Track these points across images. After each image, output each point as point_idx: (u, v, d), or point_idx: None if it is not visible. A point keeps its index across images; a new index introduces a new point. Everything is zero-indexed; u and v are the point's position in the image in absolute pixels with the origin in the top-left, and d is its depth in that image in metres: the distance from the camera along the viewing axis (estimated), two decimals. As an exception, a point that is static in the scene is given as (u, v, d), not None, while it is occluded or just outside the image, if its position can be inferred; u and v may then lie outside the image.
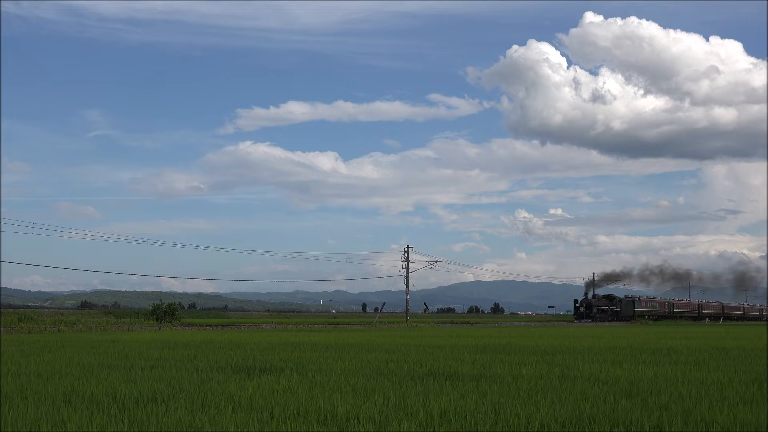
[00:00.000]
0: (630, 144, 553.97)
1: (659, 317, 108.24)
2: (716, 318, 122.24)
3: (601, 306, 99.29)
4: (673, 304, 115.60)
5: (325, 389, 9.13)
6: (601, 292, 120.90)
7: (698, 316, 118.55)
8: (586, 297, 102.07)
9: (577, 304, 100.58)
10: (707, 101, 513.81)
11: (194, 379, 10.43)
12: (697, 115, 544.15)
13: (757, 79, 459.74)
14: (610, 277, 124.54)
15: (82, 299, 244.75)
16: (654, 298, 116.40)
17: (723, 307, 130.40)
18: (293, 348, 19.00)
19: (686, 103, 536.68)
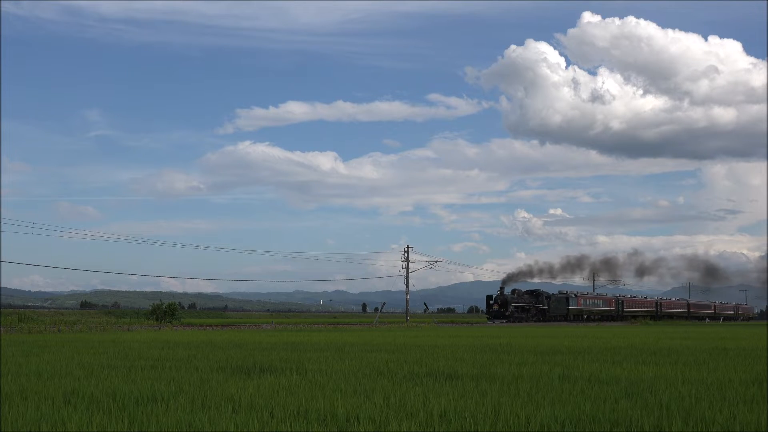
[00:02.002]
0: (629, 144, 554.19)
1: (603, 317, 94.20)
2: (680, 318, 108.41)
3: (521, 303, 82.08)
4: (623, 301, 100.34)
5: (325, 389, 9.12)
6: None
7: (657, 315, 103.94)
8: (502, 292, 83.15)
9: (490, 301, 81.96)
10: (706, 101, 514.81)
11: (194, 379, 10.43)
12: (696, 115, 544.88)
13: (757, 79, 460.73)
14: (644, 271, 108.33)
15: (82, 299, 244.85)
16: (597, 294, 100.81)
17: (689, 305, 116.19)
18: (293, 348, 18.99)
19: (685, 103, 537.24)
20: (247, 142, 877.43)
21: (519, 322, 77.82)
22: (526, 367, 12.76)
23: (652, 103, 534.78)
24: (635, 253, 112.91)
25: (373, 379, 10.53)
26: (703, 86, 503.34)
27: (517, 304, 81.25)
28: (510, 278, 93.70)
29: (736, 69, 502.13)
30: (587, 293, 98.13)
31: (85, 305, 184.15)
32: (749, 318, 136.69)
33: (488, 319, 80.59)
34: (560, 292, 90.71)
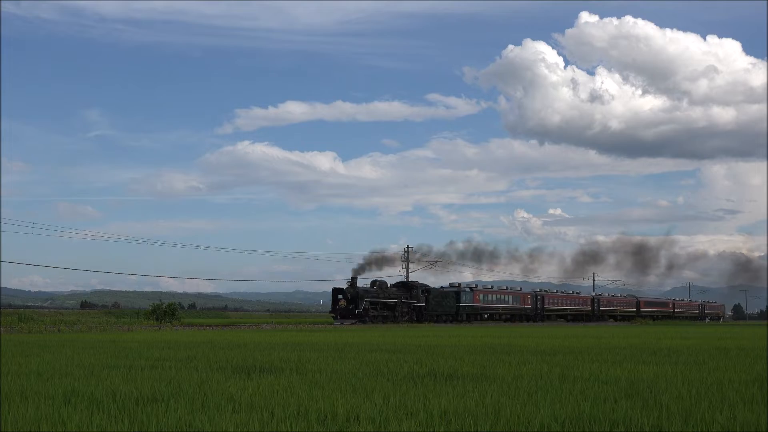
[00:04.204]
0: (628, 144, 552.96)
1: (515, 316, 77.49)
2: (626, 318, 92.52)
3: (383, 298, 63.52)
4: (543, 297, 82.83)
5: (325, 389, 9.12)
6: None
7: (594, 315, 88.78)
8: (353, 283, 62.69)
9: (338, 296, 61.69)
10: (706, 101, 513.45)
11: (194, 379, 10.42)
12: (695, 115, 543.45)
13: (756, 79, 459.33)
14: (674, 267, 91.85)
15: (82, 299, 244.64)
16: (507, 289, 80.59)
17: (638, 302, 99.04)
18: (293, 348, 18.99)
19: (684, 103, 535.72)
20: (246, 142, 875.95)
21: (382, 322, 60.60)
22: (526, 367, 12.75)
23: (651, 103, 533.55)
24: (671, 243, 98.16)
25: (372, 379, 10.52)
26: (702, 86, 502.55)
27: (376, 300, 62.55)
28: (370, 263, 73.45)
29: (735, 69, 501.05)
30: (491, 287, 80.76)
31: (85, 305, 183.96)
32: (718, 318, 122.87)
33: (334, 318, 61.57)
34: (451, 285, 73.87)
